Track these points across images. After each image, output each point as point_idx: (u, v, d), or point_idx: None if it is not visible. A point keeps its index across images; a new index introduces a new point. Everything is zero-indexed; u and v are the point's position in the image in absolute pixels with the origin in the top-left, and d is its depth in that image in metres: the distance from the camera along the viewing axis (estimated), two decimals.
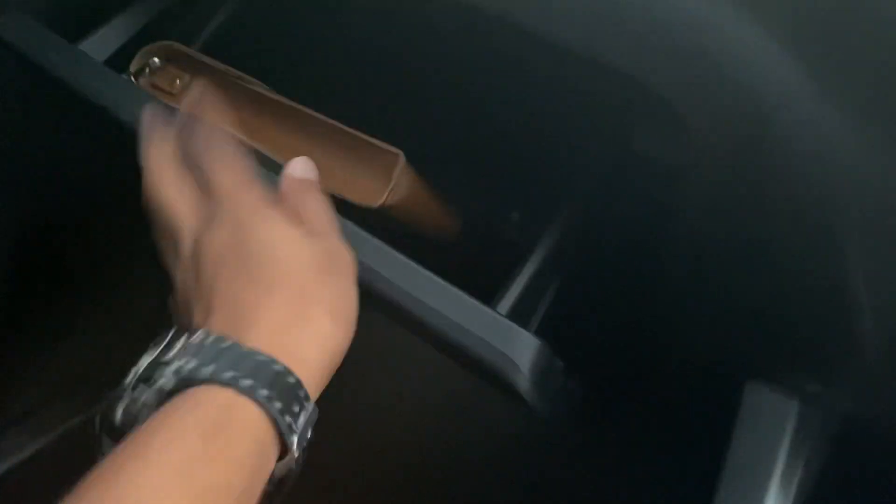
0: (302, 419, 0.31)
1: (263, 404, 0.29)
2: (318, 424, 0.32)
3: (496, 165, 0.53)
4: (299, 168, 0.39)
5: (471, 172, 0.54)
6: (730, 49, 0.31)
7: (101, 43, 0.50)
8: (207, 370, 0.29)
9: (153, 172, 0.37)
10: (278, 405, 0.29)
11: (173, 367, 0.30)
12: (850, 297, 0.33)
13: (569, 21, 0.33)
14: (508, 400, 0.36)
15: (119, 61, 0.49)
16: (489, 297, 0.41)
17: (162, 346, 0.32)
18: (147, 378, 0.30)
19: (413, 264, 0.37)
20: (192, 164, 0.37)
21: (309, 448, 0.32)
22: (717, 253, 0.38)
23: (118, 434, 0.30)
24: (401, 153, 0.42)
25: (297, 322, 0.32)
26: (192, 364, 0.29)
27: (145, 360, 0.31)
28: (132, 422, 0.30)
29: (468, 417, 0.59)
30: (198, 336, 0.31)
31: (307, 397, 0.31)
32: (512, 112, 0.49)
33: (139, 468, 0.27)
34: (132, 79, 0.48)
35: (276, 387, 0.30)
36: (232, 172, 0.36)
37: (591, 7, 0.33)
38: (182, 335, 0.31)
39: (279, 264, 0.33)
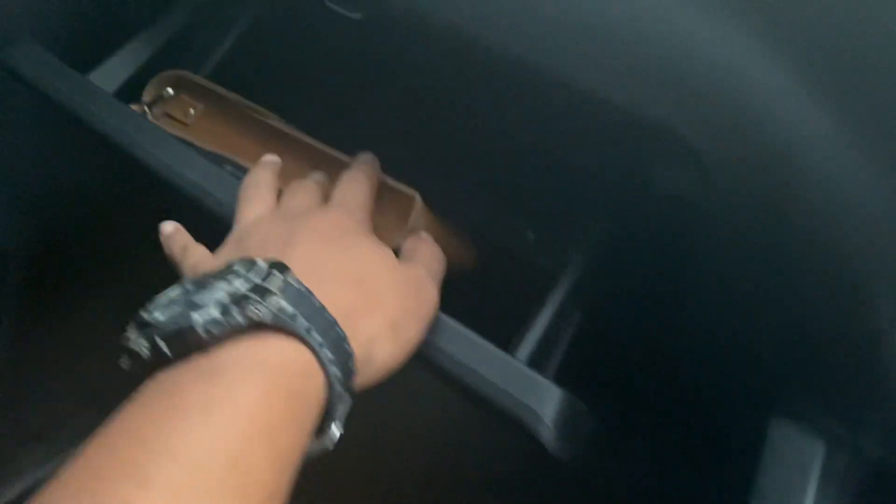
0: (344, 408, 0.31)
1: (333, 382, 0.29)
2: (335, 466, 0.32)
3: (511, 192, 0.52)
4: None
5: (485, 196, 0.53)
6: (755, 93, 0.30)
7: (111, 73, 0.49)
8: (304, 325, 0.29)
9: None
10: (340, 389, 0.30)
11: (276, 304, 0.28)
12: (881, 343, 0.33)
13: (593, 68, 0.32)
14: (531, 447, 0.35)
15: (129, 91, 0.49)
16: (509, 327, 0.40)
17: (263, 277, 0.29)
18: (239, 301, 0.28)
19: None
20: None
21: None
22: (742, 291, 0.37)
23: (187, 342, 0.28)
24: (416, 194, 0.42)
25: (362, 314, 0.32)
26: (291, 310, 0.28)
27: (240, 285, 0.29)
28: (210, 340, 0.28)
29: (491, 459, 0.58)
30: (292, 279, 0.30)
31: (353, 387, 0.31)
32: (527, 143, 0.48)
33: (227, 416, 0.26)
34: (146, 109, 0.48)
35: (345, 368, 0.30)
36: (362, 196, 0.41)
37: (612, 53, 0.32)
38: (274, 270, 0.30)
39: (365, 267, 0.35)
